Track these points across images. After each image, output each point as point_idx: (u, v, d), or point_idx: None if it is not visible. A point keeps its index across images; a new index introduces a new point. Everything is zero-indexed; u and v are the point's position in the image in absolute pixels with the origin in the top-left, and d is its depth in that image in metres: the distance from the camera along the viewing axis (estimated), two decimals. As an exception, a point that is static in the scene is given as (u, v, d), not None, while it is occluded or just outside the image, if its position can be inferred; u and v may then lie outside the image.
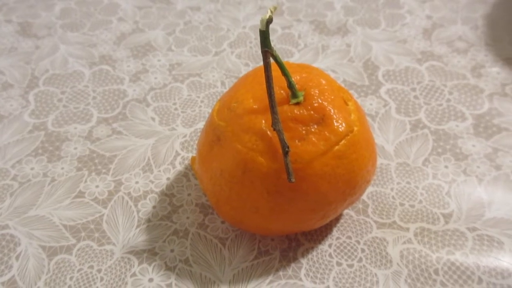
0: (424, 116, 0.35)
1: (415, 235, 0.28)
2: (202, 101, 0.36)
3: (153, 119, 0.35)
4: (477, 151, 0.32)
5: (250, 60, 0.40)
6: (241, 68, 0.39)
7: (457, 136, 0.33)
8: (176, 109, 0.36)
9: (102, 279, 0.26)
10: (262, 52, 0.21)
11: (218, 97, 0.36)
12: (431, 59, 0.39)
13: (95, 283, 0.26)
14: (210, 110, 0.35)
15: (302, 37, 0.42)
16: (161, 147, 0.33)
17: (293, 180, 0.22)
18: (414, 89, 0.37)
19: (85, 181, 0.31)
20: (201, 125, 0.34)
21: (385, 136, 0.33)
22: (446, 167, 0.31)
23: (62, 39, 0.42)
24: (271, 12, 0.21)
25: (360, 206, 0.29)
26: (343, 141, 0.23)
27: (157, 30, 0.43)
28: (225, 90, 0.37)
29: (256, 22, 0.43)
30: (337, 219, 0.29)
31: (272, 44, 0.41)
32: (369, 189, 0.30)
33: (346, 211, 0.29)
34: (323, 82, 0.24)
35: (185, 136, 0.34)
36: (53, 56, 0.40)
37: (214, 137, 0.24)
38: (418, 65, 0.39)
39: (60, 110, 0.36)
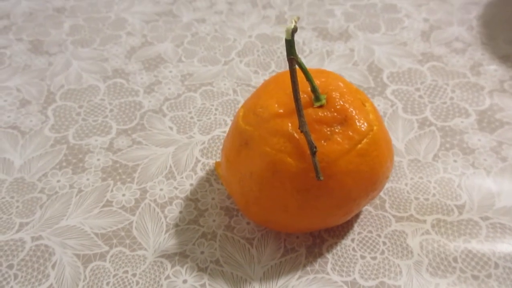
0: (430, 114, 0.36)
1: (432, 226, 0.29)
2: (216, 109, 0.38)
3: (170, 128, 0.36)
4: (483, 145, 0.34)
5: (259, 67, 0.41)
6: (251, 76, 0.40)
7: (462, 131, 0.35)
8: (192, 117, 0.37)
9: (137, 283, 0.27)
10: (288, 59, 0.23)
11: (232, 105, 0.38)
12: (432, 60, 0.41)
13: (131, 287, 0.27)
14: (225, 118, 0.37)
15: (307, 44, 0.43)
16: (181, 154, 0.34)
17: (321, 178, 0.23)
18: (418, 89, 0.39)
19: (111, 191, 0.32)
20: (218, 132, 0.36)
21: (395, 135, 0.35)
22: (455, 161, 0.33)
23: (74, 55, 0.43)
24: (295, 22, 0.22)
25: (378, 201, 0.31)
26: (365, 140, 0.24)
27: (165, 42, 0.44)
28: (237, 98, 0.38)
29: (261, 31, 0.45)
30: (357, 215, 0.30)
31: (279, 51, 0.43)
32: (385, 185, 0.32)
33: (365, 207, 0.31)
34: (341, 85, 0.26)
35: (203, 143, 0.35)
36: (66, 72, 0.41)
37: (242, 142, 0.26)
38: (420, 66, 0.41)
39: (79, 124, 0.37)
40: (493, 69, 0.40)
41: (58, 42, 0.44)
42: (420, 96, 0.38)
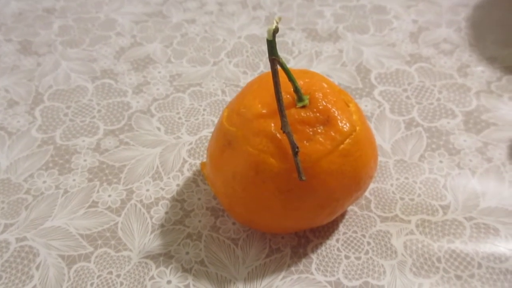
0: (416, 114, 0.37)
1: (417, 226, 0.30)
2: (204, 110, 0.38)
3: (158, 129, 0.36)
4: (468, 146, 0.34)
5: (248, 68, 0.41)
6: (239, 76, 0.40)
7: (449, 132, 0.35)
8: (180, 118, 0.37)
9: (122, 283, 0.27)
10: (270, 60, 0.23)
11: (220, 105, 0.38)
12: (420, 61, 0.41)
13: (115, 288, 0.27)
14: (213, 118, 0.37)
15: (296, 45, 0.43)
16: (168, 155, 0.34)
17: (304, 178, 0.23)
18: (405, 90, 0.39)
19: (98, 191, 0.32)
20: (205, 132, 0.36)
21: (382, 135, 0.35)
22: (440, 162, 0.33)
23: (62, 56, 0.43)
24: (277, 22, 0.22)
25: (363, 202, 0.31)
26: (347, 140, 0.25)
27: (155, 43, 0.44)
28: (226, 98, 0.38)
29: (251, 32, 0.45)
30: (342, 215, 0.30)
31: (268, 52, 0.43)
32: (371, 185, 0.32)
33: (350, 207, 0.31)
34: (325, 86, 0.26)
35: (191, 143, 0.35)
36: (55, 72, 0.41)
37: (225, 142, 0.26)
38: (408, 67, 0.41)
39: (67, 124, 0.37)
40: (480, 71, 0.40)
41: (47, 42, 0.44)
42: (408, 97, 0.38)
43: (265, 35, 0.44)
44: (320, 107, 0.25)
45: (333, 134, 0.24)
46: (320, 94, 0.25)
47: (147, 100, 0.38)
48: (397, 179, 0.32)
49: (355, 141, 0.25)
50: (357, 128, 0.25)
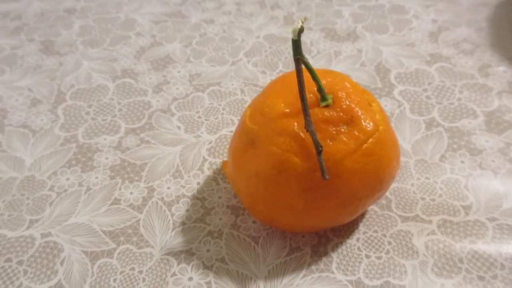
0: (437, 114, 0.36)
1: (438, 226, 0.29)
2: (224, 109, 0.38)
3: (178, 127, 0.36)
4: (490, 146, 0.34)
5: (266, 68, 0.41)
6: (258, 76, 0.41)
7: (470, 132, 0.35)
8: (199, 117, 0.37)
9: (144, 279, 0.28)
10: (294, 59, 0.23)
11: (239, 105, 0.38)
12: (440, 61, 0.41)
13: (138, 284, 0.27)
14: (232, 117, 0.37)
15: (315, 44, 0.44)
16: (189, 153, 0.35)
17: (327, 177, 0.23)
18: (425, 90, 0.38)
19: (120, 189, 0.32)
20: (225, 131, 0.36)
21: (402, 135, 0.35)
22: (462, 162, 0.33)
23: (84, 55, 0.43)
24: (302, 22, 0.23)
25: (384, 201, 0.31)
26: (371, 140, 0.25)
27: (174, 43, 0.44)
28: (245, 98, 0.39)
29: (269, 31, 0.45)
30: (362, 215, 0.30)
31: (287, 51, 0.43)
32: (391, 185, 0.32)
33: (370, 207, 0.31)
34: (348, 85, 0.26)
35: (210, 142, 0.35)
36: (76, 72, 0.42)
37: (248, 141, 0.26)
38: (428, 67, 0.41)
39: (89, 123, 0.37)
40: (502, 71, 0.40)
41: (68, 42, 0.45)
42: (428, 97, 0.38)
43: (284, 35, 0.45)
44: (344, 107, 0.25)
45: (356, 133, 0.24)
46: (344, 94, 0.25)
47: (167, 99, 0.39)
48: (418, 179, 0.32)
49: (378, 140, 0.25)
50: (380, 127, 0.25)
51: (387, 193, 0.31)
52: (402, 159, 0.33)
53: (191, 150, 0.35)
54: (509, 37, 0.43)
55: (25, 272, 0.28)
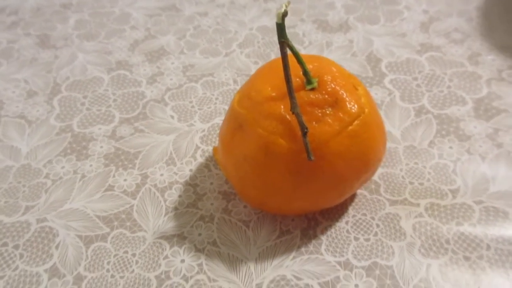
0: (427, 102, 0.37)
1: (426, 209, 0.30)
2: (217, 98, 0.38)
3: (172, 117, 0.37)
4: (478, 132, 0.34)
5: (259, 58, 0.42)
6: (251, 66, 0.41)
7: (459, 119, 0.35)
8: (193, 106, 0.38)
9: (137, 262, 0.28)
10: (279, 42, 0.24)
11: (232, 94, 0.39)
12: (430, 50, 0.42)
13: (131, 266, 0.28)
14: (225, 106, 0.38)
15: (307, 35, 0.44)
16: (182, 142, 0.35)
17: (312, 158, 0.24)
18: (416, 78, 0.39)
19: (113, 176, 0.33)
20: (218, 120, 0.37)
21: (392, 122, 0.36)
22: (450, 147, 0.34)
23: (79, 48, 0.44)
24: (286, 6, 0.23)
25: (373, 186, 0.31)
26: (356, 122, 0.25)
27: (168, 35, 0.45)
28: (237, 87, 0.39)
29: (262, 23, 0.46)
30: (351, 199, 0.31)
31: (279, 43, 0.43)
32: (380, 170, 0.32)
33: (359, 191, 0.31)
34: (334, 69, 0.27)
35: (203, 130, 0.36)
36: (72, 65, 0.42)
37: (236, 125, 0.26)
38: (418, 56, 0.41)
39: (83, 113, 0.38)
40: (491, 59, 0.40)
41: (64, 36, 0.46)
42: (418, 85, 0.38)
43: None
44: (329, 89, 0.25)
45: (341, 115, 0.25)
46: (329, 77, 0.26)
47: (161, 90, 0.39)
48: (407, 164, 0.33)
49: (364, 122, 0.25)
50: (366, 110, 0.26)
51: (376, 178, 0.32)
52: (391, 145, 0.34)
53: (184, 138, 0.35)
54: (498, 26, 0.44)
55: (21, 255, 0.29)
